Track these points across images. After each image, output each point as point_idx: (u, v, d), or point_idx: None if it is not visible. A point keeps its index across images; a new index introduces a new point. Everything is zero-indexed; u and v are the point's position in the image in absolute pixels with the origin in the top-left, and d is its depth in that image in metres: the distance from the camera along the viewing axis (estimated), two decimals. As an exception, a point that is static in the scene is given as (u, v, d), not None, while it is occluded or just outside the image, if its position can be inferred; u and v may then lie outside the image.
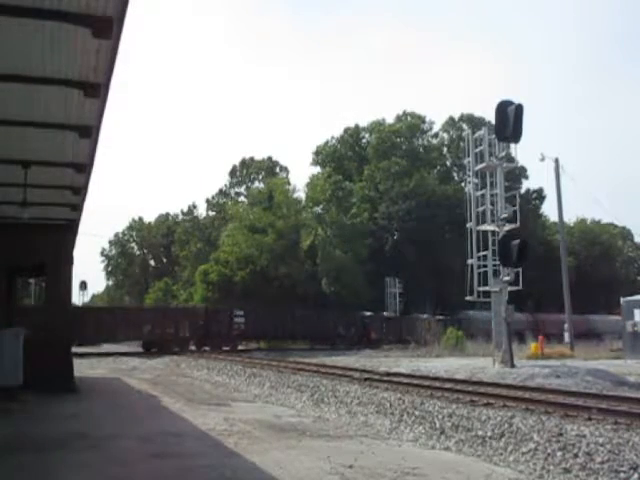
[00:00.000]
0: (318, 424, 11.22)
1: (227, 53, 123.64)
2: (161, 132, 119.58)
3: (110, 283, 78.87)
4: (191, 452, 8.52)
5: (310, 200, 58.04)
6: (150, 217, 79.57)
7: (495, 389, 14.10)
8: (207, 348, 34.37)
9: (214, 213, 70.61)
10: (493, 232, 22.03)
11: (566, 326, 33.66)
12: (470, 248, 22.44)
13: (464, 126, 60.39)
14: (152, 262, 79.17)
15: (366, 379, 16.58)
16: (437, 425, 10.12)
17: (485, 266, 21.98)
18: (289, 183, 60.83)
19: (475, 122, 56.56)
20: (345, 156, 65.70)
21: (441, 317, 45.28)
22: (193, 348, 34.55)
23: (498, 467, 7.95)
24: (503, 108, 20.41)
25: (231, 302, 47.15)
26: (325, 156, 65.79)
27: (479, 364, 21.95)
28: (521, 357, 25.01)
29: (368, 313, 40.44)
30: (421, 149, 64.83)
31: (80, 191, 13.64)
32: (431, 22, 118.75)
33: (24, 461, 7.89)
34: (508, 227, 21.59)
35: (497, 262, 21.42)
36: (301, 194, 60.21)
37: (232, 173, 70.39)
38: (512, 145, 22.92)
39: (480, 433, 9.22)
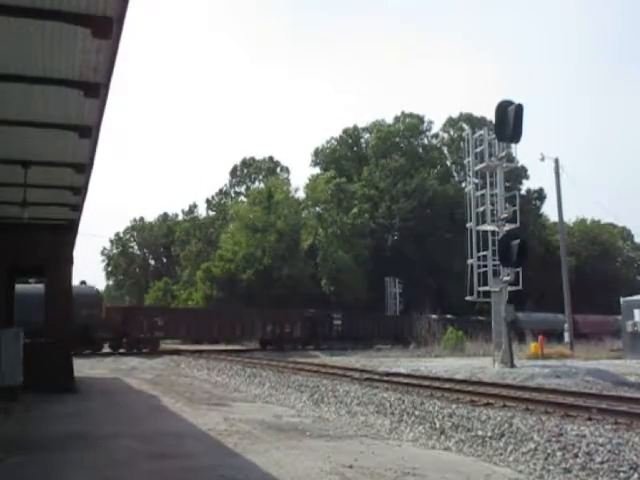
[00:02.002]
0: (318, 424, 11.22)
1: (228, 53, 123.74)
2: (161, 132, 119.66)
3: (110, 283, 78.84)
4: (191, 452, 8.52)
5: (310, 200, 58.07)
6: (151, 217, 79.51)
7: (495, 389, 14.11)
8: (311, 346, 40.30)
9: (214, 213, 70.62)
10: (493, 232, 22.04)
11: (566, 326, 33.65)
12: (470, 248, 22.44)
13: (464, 126, 60.43)
14: (152, 262, 79.16)
15: (366, 379, 16.60)
16: (437, 425, 10.12)
17: (485, 266, 21.98)
18: (289, 183, 60.92)
19: (475, 122, 56.58)
20: (344, 156, 65.73)
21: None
22: (299, 347, 40.14)
23: (498, 467, 7.95)
24: (503, 108, 20.42)
25: (235, 302, 47.20)
26: (324, 157, 65.83)
27: (479, 364, 21.96)
28: (521, 357, 25.01)
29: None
30: (421, 149, 64.84)
31: (80, 191, 13.63)
32: (431, 22, 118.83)
33: (24, 461, 7.90)
34: (508, 227, 21.60)
35: (497, 262, 21.43)
36: (301, 194, 60.36)
37: (233, 173, 70.41)
38: (512, 145, 22.96)
39: (480, 433, 9.21)
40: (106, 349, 32.96)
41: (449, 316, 44.19)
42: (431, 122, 65.37)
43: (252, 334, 39.53)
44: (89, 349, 30.58)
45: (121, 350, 32.73)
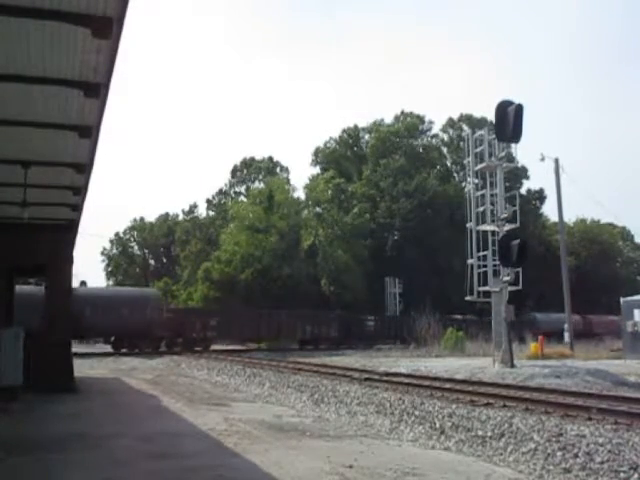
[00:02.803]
0: (318, 424, 11.22)
1: (227, 53, 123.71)
2: (162, 132, 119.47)
3: (110, 283, 78.83)
4: (191, 452, 8.52)
5: (310, 199, 58.06)
6: (151, 217, 79.45)
7: (495, 389, 14.12)
8: (345, 345, 41.22)
9: (214, 213, 70.61)
10: (493, 232, 22.04)
11: (566, 326, 33.65)
12: (470, 248, 22.44)
13: (464, 126, 60.41)
14: (152, 262, 79.14)
15: (366, 379, 16.60)
16: (437, 425, 10.13)
17: (485, 266, 21.98)
18: (289, 183, 60.88)
19: (475, 123, 56.55)
20: (344, 156, 65.72)
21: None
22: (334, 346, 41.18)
23: (498, 467, 7.95)
24: (503, 108, 20.41)
25: (233, 302, 47.22)
26: (324, 157, 65.83)
27: (479, 364, 21.95)
28: (521, 357, 25.00)
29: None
30: (421, 149, 64.82)
31: (80, 191, 13.63)
32: (431, 22, 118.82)
33: (24, 461, 7.90)
34: (508, 227, 21.59)
35: (497, 262, 21.42)
36: (301, 194, 60.34)
37: (233, 173, 70.43)
38: (512, 145, 22.97)
39: (480, 433, 9.22)
40: (162, 348, 34.78)
41: (450, 316, 44.31)
42: (431, 122, 65.46)
43: (294, 334, 41.36)
44: (149, 347, 33.22)
45: (176, 349, 34.54)
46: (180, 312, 37.64)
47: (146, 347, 33.04)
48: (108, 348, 34.61)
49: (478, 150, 23.02)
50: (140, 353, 31.85)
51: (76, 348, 23.25)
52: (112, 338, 34.42)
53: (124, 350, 33.06)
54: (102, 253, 76.40)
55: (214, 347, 37.06)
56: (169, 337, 35.24)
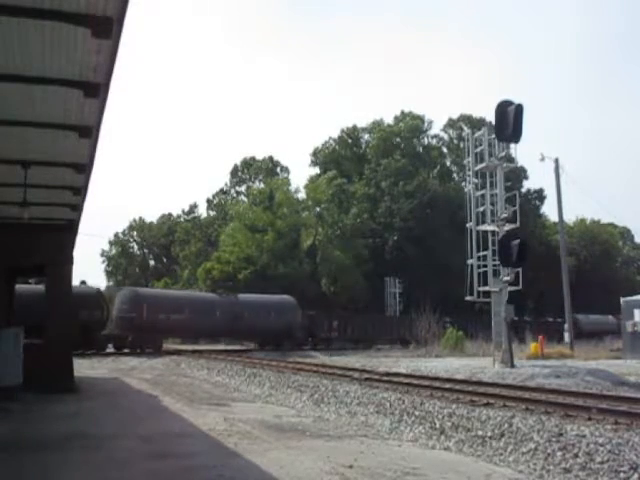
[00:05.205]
0: (318, 424, 11.22)
1: (227, 53, 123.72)
2: (162, 132, 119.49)
3: (110, 283, 78.79)
4: (191, 452, 8.52)
5: (310, 199, 58.03)
6: (151, 217, 79.47)
7: (495, 389, 14.10)
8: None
9: (214, 213, 70.59)
10: (493, 232, 22.02)
11: (566, 326, 33.64)
12: (470, 248, 22.43)
13: (464, 126, 60.38)
14: (152, 262, 79.11)
15: (366, 379, 16.59)
16: (437, 425, 10.12)
17: (485, 266, 21.97)
18: (289, 183, 60.87)
19: (474, 123, 56.54)
20: (343, 156, 65.70)
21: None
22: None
23: (498, 467, 7.95)
24: (503, 108, 20.39)
25: None
26: (324, 157, 65.81)
27: (479, 364, 21.95)
28: (521, 357, 25.00)
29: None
30: (421, 149, 64.81)
31: (80, 191, 13.63)
32: (431, 22, 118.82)
33: (24, 461, 7.90)
34: (508, 227, 21.57)
35: (497, 262, 21.41)
36: (302, 194, 60.30)
37: (233, 173, 70.43)
38: (512, 145, 22.95)
39: (480, 433, 9.21)
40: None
41: (450, 316, 44.39)
42: (431, 122, 65.45)
43: (390, 334, 44.63)
44: (288, 346, 38.10)
45: (305, 347, 40.60)
46: (311, 316, 42.35)
47: (287, 345, 38.17)
48: (108, 348, 34.56)
49: (478, 150, 23.00)
50: (140, 353, 31.82)
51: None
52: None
53: (268, 347, 38.68)
54: (102, 254, 76.46)
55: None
56: (303, 337, 41.08)
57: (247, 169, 70.14)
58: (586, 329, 46.60)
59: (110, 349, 33.57)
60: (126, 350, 32.86)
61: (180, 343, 43.46)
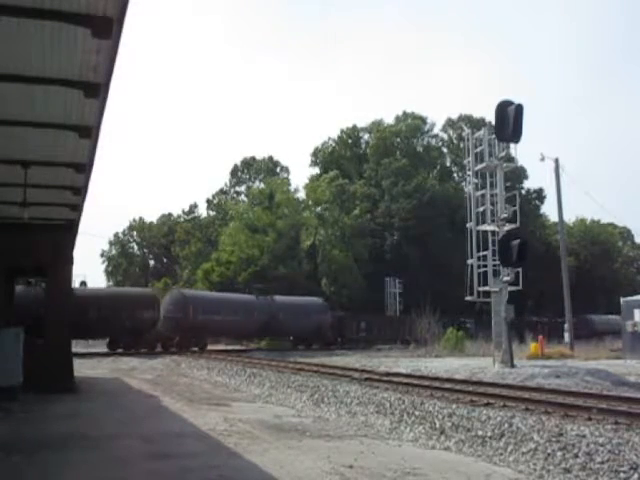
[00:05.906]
0: (318, 424, 11.22)
1: (227, 53, 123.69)
2: (161, 132, 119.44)
3: (110, 283, 78.75)
4: (191, 452, 8.52)
5: (311, 200, 58.03)
6: (151, 217, 79.39)
7: (495, 389, 14.10)
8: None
9: (214, 213, 70.57)
10: (493, 232, 22.00)
11: (566, 326, 33.63)
12: (470, 248, 22.41)
13: (464, 126, 60.40)
14: (152, 262, 79.08)
15: (366, 379, 16.59)
16: (437, 425, 10.12)
17: (485, 266, 21.95)
18: (289, 183, 60.87)
19: (474, 123, 56.58)
20: (343, 156, 65.71)
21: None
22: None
23: (498, 467, 7.95)
24: (503, 108, 20.38)
25: None
26: (323, 157, 65.80)
27: (479, 364, 21.94)
28: (521, 357, 25.00)
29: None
30: (421, 149, 64.82)
31: (80, 191, 13.63)
32: (431, 22, 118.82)
33: (24, 461, 7.90)
34: (508, 227, 21.56)
35: (497, 262, 21.40)
36: (302, 194, 60.31)
37: (234, 172, 70.41)
38: (512, 145, 22.92)
39: (480, 433, 9.21)
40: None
41: (450, 316, 44.46)
42: (432, 123, 65.49)
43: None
44: (318, 344, 41.09)
45: (332, 346, 41.77)
46: (340, 317, 43.78)
47: (317, 344, 41.05)
48: (107, 348, 34.58)
49: (478, 150, 22.98)
50: (140, 353, 31.83)
51: (75, 348, 23.37)
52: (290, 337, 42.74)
53: (301, 346, 40.96)
54: (101, 255, 76.44)
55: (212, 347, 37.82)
56: (333, 337, 42.88)
57: (247, 169, 70.13)
58: (599, 329, 47.33)
59: (158, 348, 34.53)
60: (173, 349, 33.89)
61: (217, 343, 43.42)
